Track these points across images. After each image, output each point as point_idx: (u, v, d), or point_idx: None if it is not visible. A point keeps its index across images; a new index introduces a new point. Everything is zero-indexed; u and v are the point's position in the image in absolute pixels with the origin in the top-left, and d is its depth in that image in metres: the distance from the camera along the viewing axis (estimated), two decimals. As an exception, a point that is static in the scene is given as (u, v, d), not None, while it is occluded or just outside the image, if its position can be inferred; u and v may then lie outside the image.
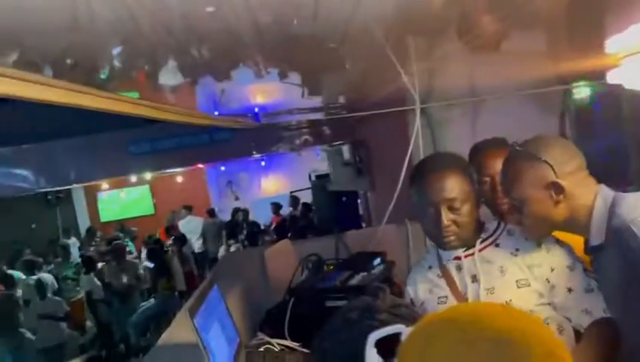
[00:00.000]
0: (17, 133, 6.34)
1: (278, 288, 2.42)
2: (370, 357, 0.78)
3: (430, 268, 1.68)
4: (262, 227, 10.07)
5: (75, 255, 9.19)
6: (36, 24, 1.32)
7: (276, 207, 10.54)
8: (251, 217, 10.72)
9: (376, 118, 4.63)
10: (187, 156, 7.34)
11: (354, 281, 2.05)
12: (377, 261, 2.22)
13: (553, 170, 1.38)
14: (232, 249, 8.96)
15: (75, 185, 9.95)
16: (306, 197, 10.70)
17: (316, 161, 12.32)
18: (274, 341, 1.84)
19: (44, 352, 6.15)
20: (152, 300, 6.93)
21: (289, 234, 6.82)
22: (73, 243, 10.59)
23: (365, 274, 2.11)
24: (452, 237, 1.55)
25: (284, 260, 2.63)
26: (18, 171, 6.80)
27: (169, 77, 2.19)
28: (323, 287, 2.04)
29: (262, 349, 1.68)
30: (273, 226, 9.85)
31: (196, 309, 1.24)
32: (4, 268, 8.13)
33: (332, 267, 2.27)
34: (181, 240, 8.66)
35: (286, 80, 2.91)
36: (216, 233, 10.08)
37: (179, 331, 1.60)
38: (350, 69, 2.67)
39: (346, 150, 5.70)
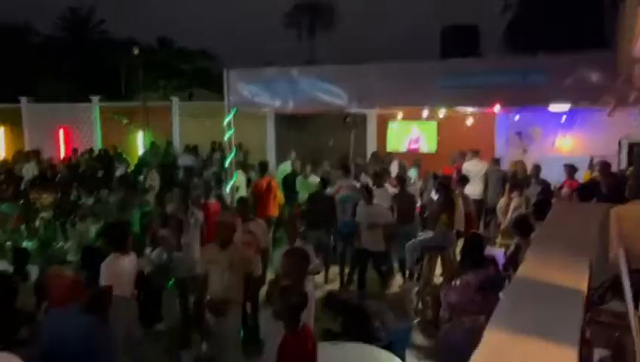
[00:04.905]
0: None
1: (633, 252, 2.04)
2: None
3: None
4: (552, 188, 9.19)
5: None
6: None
7: (571, 169, 9.38)
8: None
9: None
10: (492, 95, 6.96)
11: None
12: None
13: None
14: (515, 201, 8.43)
15: (377, 109, 10.61)
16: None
17: (631, 125, 10.50)
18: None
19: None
20: (429, 232, 7.06)
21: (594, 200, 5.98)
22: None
23: None
24: None
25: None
26: (336, 89, 7.46)
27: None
28: None
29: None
30: (565, 189, 8.85)
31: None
32: (308, 170, 9.42)
33: None
34: (463, 181, 8.50)
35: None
36: (497, 182, 9.64)
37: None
38: None
39: None
